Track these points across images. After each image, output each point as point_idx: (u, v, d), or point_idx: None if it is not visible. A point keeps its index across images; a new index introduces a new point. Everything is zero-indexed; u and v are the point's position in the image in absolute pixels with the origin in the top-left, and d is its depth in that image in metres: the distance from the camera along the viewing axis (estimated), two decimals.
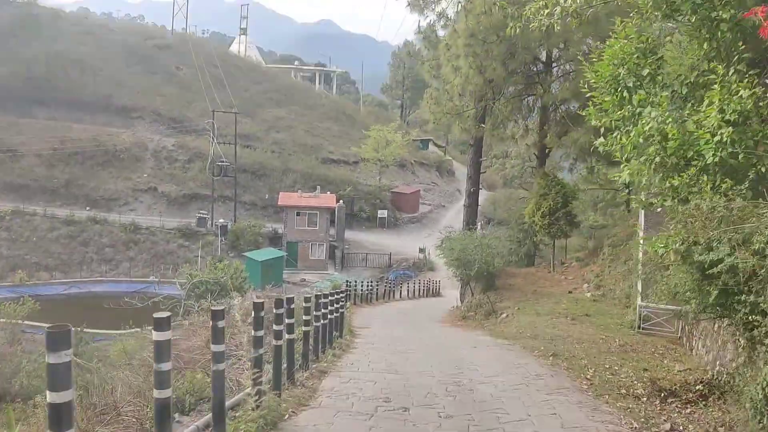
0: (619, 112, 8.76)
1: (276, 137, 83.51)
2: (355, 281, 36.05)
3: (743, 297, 8.24)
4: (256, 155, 76.88)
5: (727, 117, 7.18)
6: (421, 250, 62.52)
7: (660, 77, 8.38)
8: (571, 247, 39.34)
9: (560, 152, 39.96)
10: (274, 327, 8.79)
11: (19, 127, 71.88)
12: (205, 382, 8.53)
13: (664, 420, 9.70)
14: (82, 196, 68.21)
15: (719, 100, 7.24)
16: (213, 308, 6.86)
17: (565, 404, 10.01)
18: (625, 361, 15.58)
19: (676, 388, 11.70)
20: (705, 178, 7.38)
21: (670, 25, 9.20)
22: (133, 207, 69.36)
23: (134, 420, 7.45)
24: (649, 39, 9.26)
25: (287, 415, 8.32)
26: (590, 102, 10.17)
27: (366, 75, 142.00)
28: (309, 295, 11.53)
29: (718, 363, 13.20)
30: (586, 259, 31.58)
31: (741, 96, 7.17)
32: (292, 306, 9.64)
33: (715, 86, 7.59)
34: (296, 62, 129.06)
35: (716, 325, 14.61)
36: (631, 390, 12.07)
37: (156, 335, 5.65)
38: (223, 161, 67.09)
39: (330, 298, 14.40)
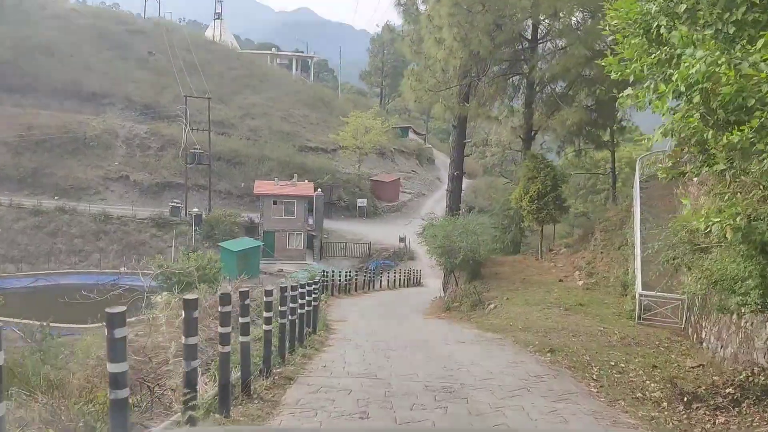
0: (653, 56, 7.08)
1: (252, 124, 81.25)
2: (333, 271, 34.29)
3: None
4: (231, 142, 74.70)
5: None
6: (402, 239, 61.04)
7: (701, 13, 6.69)
8: (557, 233, 37.90)
9: (546, 137, 38.55)
10: (220, 329, 7.05)
11: None
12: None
13: None
14: (51, 185, 65.63)
15: None
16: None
17: (578, 415, 8.38)
18: (631, 357, 14.05)
19: (700, 391, 10.10)
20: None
21: None
22: (104, 196, 66.97)
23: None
24: None
25: None
26: (606, 54, 8.43)
27: (345, 63, 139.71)
28: (270, 288, 9.68)
29: (745, 360, 11.66)
30: (575, 246, 30.01)
31: None
32: (248, 302, 7.88)
33: None
34: (273, 49, 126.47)
35: (734, 317, 13.06)
36: (647, 393, 10.49)
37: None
38: (196, 148, 65.05)
39: (300, 290, 12.64)
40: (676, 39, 6.40)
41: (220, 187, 69.84)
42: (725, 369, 12.68)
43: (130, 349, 17.07)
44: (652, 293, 17.99)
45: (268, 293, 9.40)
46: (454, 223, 26.66)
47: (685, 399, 9.58)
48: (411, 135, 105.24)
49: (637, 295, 18.47)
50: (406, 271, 49.59)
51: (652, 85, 7.02)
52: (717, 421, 8.70)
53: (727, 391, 9.73)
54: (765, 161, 5.95)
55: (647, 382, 11.46)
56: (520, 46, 32.44)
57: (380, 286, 43.22)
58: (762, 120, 5.66)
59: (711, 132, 6.39)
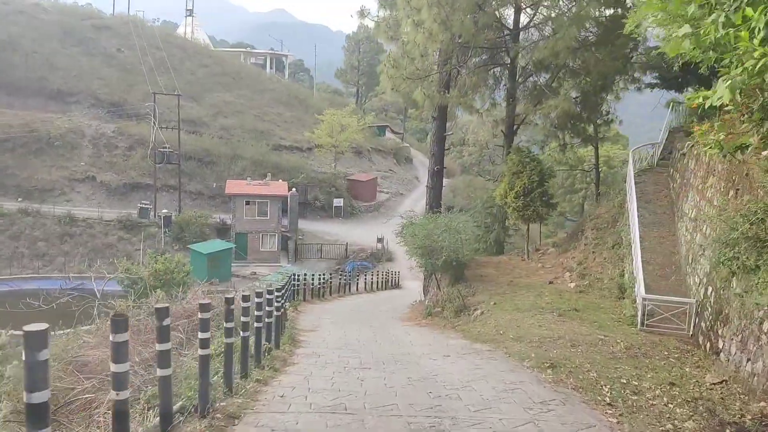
0: None
1: (224, 123, 79.07)
2: (305, 274, 32.22)
3: None
4: (203, 141, 72.55)
5: None
6: (380, 240, 59.45)
7: None
8: (539, 233, 36.19)
9: (527, 132, 36.87)
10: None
11: None
12: None
13: None
14: (13, 187, 62.90)
15: None
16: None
17: None
18: (641, 372, 12.22)
19: (746, 422, 8.25)
20: None
21: None
22: (69, 198, 64.36)
23: None
24: None
25: None
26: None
27: (321, 65, 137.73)
28: (206, 302, 7.60)
29: None
30: (564, 245, 28.17)
31: None
32: (167, 322, 5.86)
33: None
34: (247, 48, 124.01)
35: (764, 324, 11.24)
36: (677, 423, 8.64)
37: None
38: (165, 147, 62.74)
39: (257, 299, 10.63)
40: None
41: (191, 188, 67.87)
42: (755, 386, 10.90)
43: (73, 366, 15.01)
44: (656, 297, 16.19)
45: (204, 308, 7.35)
46: (435, 221, 24.54)
47: None
48: (388, 134, 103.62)
49: (639, 299, 16.66)
50: (385, 273, 47.88)
51: (721, 18, 5.13)
52: None
53: None
54: None
55: (671, 405, 9.65)
56: (501, 36, 30.67)
57: (357, 289, 41.22)
58: None
59: None
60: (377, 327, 20.10)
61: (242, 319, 9.97)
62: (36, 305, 22.75)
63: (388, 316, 25.00)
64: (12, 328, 15.51)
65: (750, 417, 8.55)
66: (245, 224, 57.81)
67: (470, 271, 25.03)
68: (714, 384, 11.70)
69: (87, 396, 11.66)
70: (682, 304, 15.87)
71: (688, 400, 10.28)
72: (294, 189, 62.29)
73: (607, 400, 9.78)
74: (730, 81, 5.39)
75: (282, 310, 14.57)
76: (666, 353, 14.13)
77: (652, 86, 30.73)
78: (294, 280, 26.16)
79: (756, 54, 4.83)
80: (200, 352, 7.14)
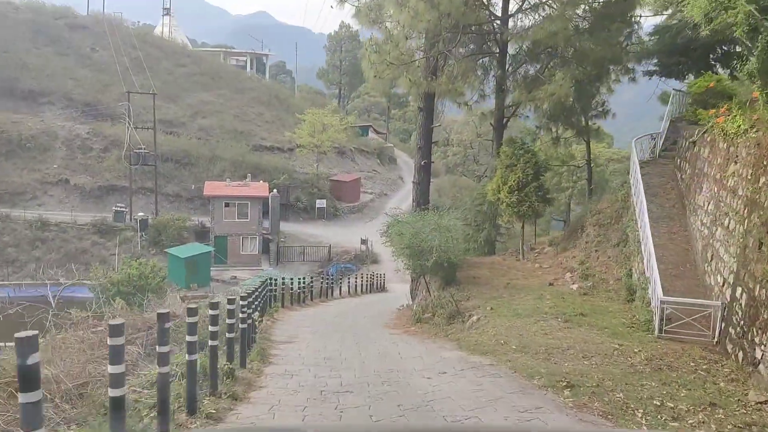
0: None
1: (202, 123, 76.88)
2: (284, 278, 30.15)
3: None
4: (181, 142, 70.34)
5: None
6: (364, 241, 57.73)
7: None
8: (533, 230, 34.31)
9: (518, 126, 35.20)
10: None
11: None
12: None
13: None
14: None
15: None
16: None
17: None
18: (672, 389, 10.41)
19: None
20: None
21: None
22: (42, 201, 62.05)
23: None
24: None
25: None
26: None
27: (303, 68, 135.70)
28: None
29: None
30: (562, 243, 26.25)
31: None
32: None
33: None
34: (226, 48, 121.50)
35: None
36: None
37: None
38: (141, 148, 60.59)
39: (211, 311, 8.65)
40: None
41: (169, 190, 65.79)
42: None
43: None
44: (676, 299, 14.38)
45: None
46: (423, 218, 22.47)
47: None
48: (371, 134, 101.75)
49: (655, 302, 14.84)
50: (369, 276, 46.02)
51: None
52: None
53: None
54: None
55: None
56: (490, 20, 28.93)
57: (340, 293, 39.23)
58: None
59: None
60: (361, 336, 18.13)
61: (189, 338, 8.05)
62: None
63: (373, 322, 22.99)
64: None
65: None
66: (225, 227, 55.89)
67: (462, 273, 23.04)
68: (760, 403, 9.92)
69: None
70: (705, 307, 14.08)
71: (740, 426, 8.51)
72: (275, 190, 60.59)
73: (645, 429, 7.96)
74: None
75: (251, 321, 12.62)
76: (693, 365, 12.35)
77: (650, 74, 29.10)
78: (270, 284, 24.10)
79: None
80: (111, 392, 5.18)
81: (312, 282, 34.56)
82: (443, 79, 24.68)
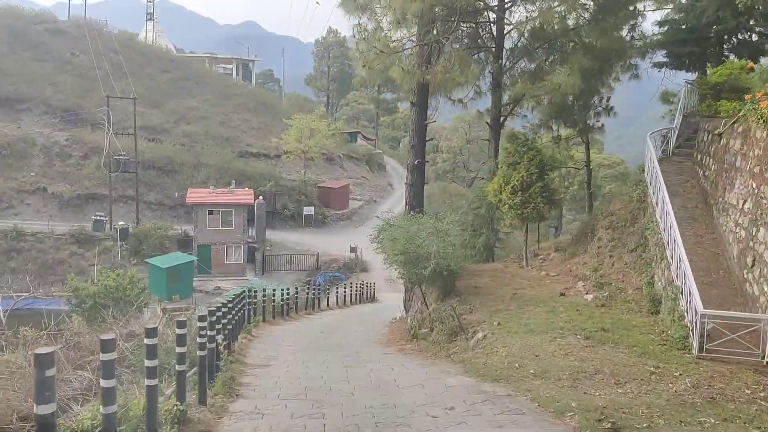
0: None
1: (186, 129, 75.02)
2: (264, 289, 27.92)
3: None
4: (164, 149, 68.51)
5: None
6: (353, 249, 56.00)
7: None
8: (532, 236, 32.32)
9: (516, 123, 33.30)
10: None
11: None
12: None
13: None
14: None
15: None
16: None
17: None
18: (738, 427, 8.28)
19: None
20: None
21: None
22: (18, 211, 59.83)
23: None
24: None
25: None
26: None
27: (291, 77, 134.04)
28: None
29: None
30: (570, 249, 24.13)
31: None
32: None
33: None
34: (211, 54, 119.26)
35: None
36: None
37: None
38: (121, 155, 58.45)
39: (150, 340, 6.49)
40: None
41: (151, 198, 63.88)
42: None
43: None
44: (720, 313, 12.33)
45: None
46: (419, 222, 20.17)
47: None
48: (360, 141, 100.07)
49: (692, 316, 12.78)
50: (359, 285, 43.92)
51: None
52: None
53: None
54: None
55: None
56: (486, 7, 27.03)
57: (328, 304, 37.05)
58: None
59: None
60: (351, 356, 15.93)
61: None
62: None
63: (363, 338, 20.77)
64: None
65: None
66: (208, 235, 53.93)
67: (462, 282, 20.81)
68: None
69: None
70: (753, 321, 12.04)
71: None
72: (261, 197, 58.85)
73: None
74: None
75: (215, 345, 10.43)
76: (748, 392, 10.30)
77: (660, 66, 27.24)
78: (249, 296, 21.85)
79: None
80: None
81: (297, 292, 32.34)
82: (438, 68, 22.56)
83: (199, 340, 8.82)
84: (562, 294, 18.68)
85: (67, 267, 52.98)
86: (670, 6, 28.15)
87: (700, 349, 12.15)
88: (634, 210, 20.81)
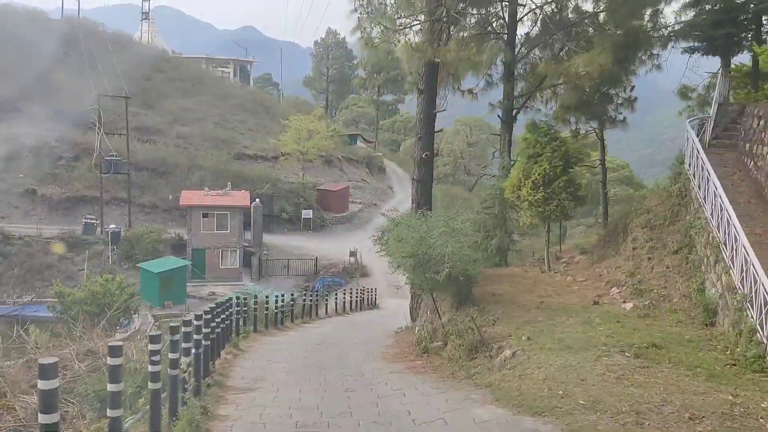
0: None
1: (181, 130, 73.24)
2: (256, 297, 25.70)
3: None
4: (158, 150, 66.75)
5: None
6: (353, 253, 54.11)
7: None
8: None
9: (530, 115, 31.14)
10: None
11: None
12: None
13: None
14: None
15: None
16: None
17: None
18: None
19: None
20: None
21: None
22: (6, 214, 57.75)
23: None
24: None
25: None
26: None
27: (290, 81, 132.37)
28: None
29: None
30: (598, 250, 21.80)
31: None
32: None
33: None
34: (208, 55, 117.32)
35: None
36: None
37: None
38: (113, 155, 56.39)
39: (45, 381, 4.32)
40: None
41: (144, 201, 62.06)
42: None
43: None
44: None
45: None
46: (429, 220, 17.59)
47: None
48: (360, 143, 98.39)
49: None
50: (359, 291, 41.88)
51: None
52: None
53: None
54: None
55: None
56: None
57: (326, 311, 34.79)
58: None
59: None
60: (352, 377, 13.56)
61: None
62: None
63: (366, 352, 18.38)
64: None
65: None
66: (203, 239, 52.13)
67: (478, 288, 18.30)
68: None
69: None
70: None
71: None
72: (258, 200, 57.22)
73: None
74: None
75: (178, 372, 8.10)
76: None
77: (691, 51, 25.04)
78: (239, 305, 19.57)
79: None
80: None
81: (294, 299, 30.09)
82: (452, 45, 20.26)
83: (151, 368, 6.56)
84: (595, 302, 16.34)
85: (55, 272, 51.16)
86: None
87: None
88: (674, 206, 18.50)
